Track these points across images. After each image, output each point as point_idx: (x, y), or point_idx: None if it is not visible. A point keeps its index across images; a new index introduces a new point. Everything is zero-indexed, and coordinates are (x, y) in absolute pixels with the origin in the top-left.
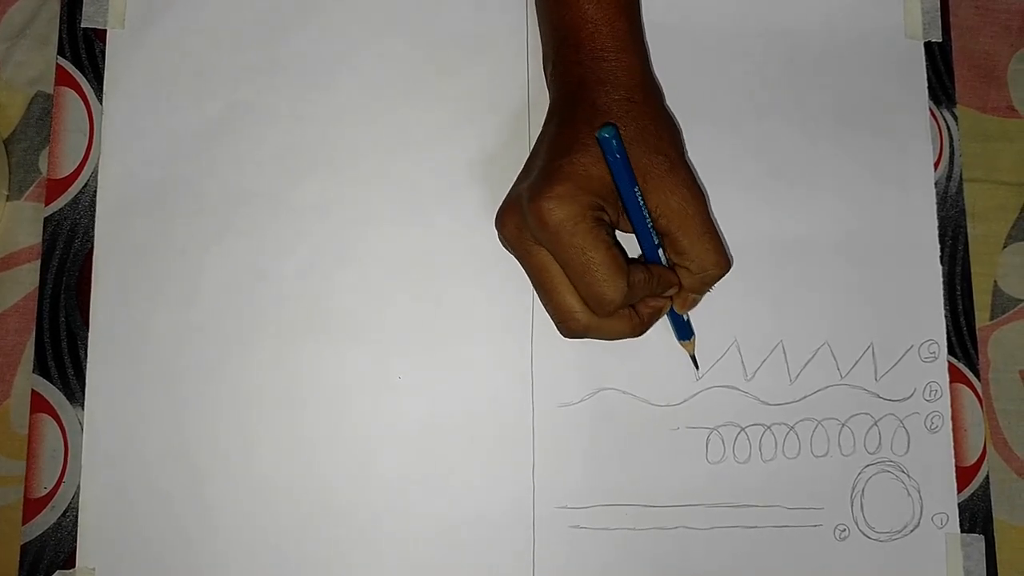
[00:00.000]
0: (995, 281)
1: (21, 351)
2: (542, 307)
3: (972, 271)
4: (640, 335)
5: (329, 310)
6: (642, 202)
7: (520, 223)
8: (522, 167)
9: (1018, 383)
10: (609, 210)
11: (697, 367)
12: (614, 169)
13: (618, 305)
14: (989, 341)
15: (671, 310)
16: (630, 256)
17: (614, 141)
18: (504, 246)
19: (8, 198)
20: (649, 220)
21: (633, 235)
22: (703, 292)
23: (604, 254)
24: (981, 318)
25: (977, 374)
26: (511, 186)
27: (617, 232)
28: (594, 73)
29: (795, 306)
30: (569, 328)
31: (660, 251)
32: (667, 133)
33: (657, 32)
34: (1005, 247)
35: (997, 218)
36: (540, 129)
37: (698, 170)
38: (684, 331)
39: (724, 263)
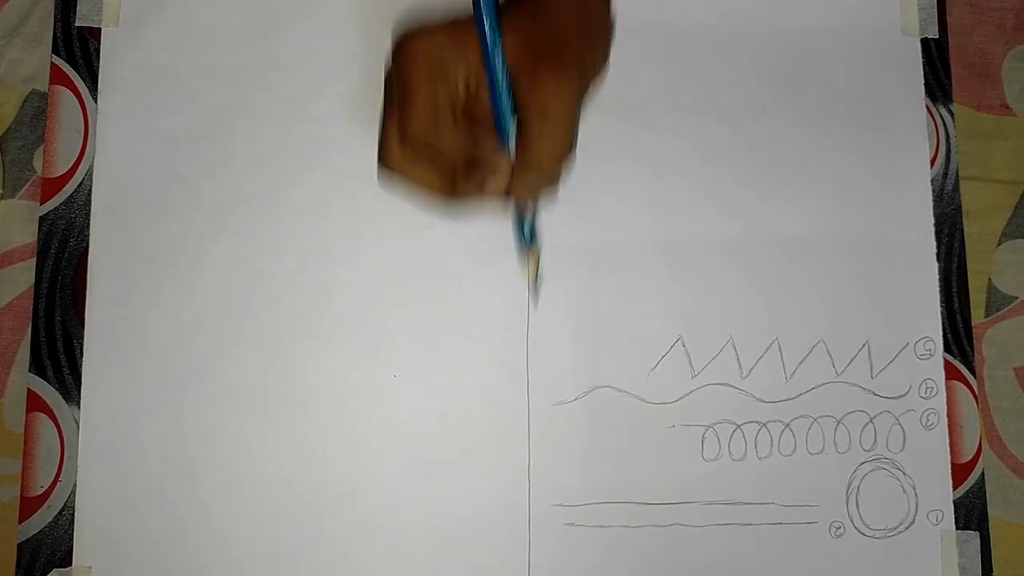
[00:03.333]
0: (990, 278)
1: (16, 350)
2: (538, 305)
3: (968, 269)
4: (447, 200)
5: (324, 309)
6: (505, 76)
7: (408, 48)
8: None
9: (1013, 380)
10: (460, 78)
11: (536, 293)
12: (480, 29)
13: (419, 137)
14: (984, 338)
15: (516, 217)
16: None
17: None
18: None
19: (2, 197)
20: (508, 100)
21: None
22: (524, 196)
23: (425, 92)
24: (976, 315)
25: (973, 371)
26: None
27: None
28: None
29: (790, 303)
30: (381, 158)
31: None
32: (596, 21)
33: (654, 31)
34: (1000, 244)
35: (992, 215)
36: None
37: (694, 166)
38: (527, 236)
39: (551, 172)
